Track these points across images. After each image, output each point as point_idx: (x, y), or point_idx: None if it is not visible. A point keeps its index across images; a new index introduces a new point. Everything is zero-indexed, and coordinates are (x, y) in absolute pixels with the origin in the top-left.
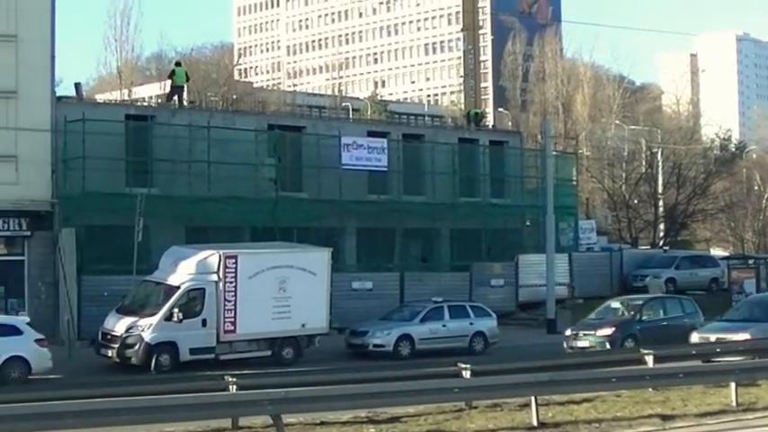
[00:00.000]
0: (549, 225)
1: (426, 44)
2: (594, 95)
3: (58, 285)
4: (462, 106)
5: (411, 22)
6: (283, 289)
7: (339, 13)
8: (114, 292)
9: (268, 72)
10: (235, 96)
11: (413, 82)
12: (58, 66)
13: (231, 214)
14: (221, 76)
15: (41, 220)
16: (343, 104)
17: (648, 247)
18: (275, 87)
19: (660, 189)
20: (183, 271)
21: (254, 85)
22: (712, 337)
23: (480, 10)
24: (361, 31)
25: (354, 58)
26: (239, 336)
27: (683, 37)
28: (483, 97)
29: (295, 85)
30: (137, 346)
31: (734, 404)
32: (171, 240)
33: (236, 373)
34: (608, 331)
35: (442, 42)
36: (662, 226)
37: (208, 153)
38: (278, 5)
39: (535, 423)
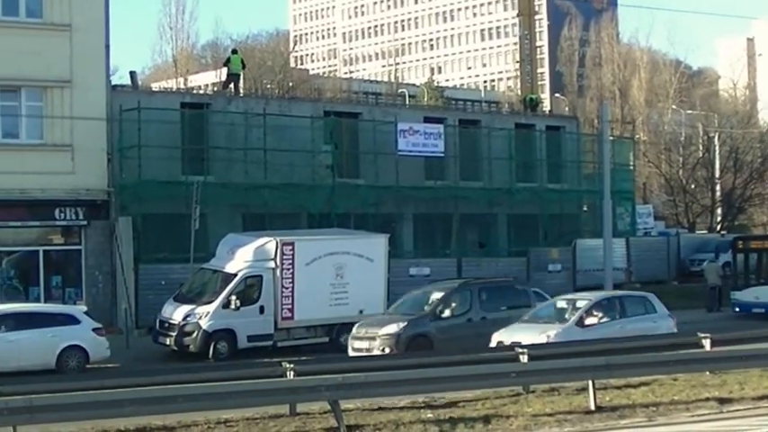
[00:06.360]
0: (606, 210)
1: (482, 30)
2: (651, 80)
3: (115, 274)
4: (519, 92)
5: (467, 8)
6: (340, 275)
7: None
8: (171, 280)
9: (324, 59)
10: (291, 84)
11: (469, 68)
12: (113, 55)
13: (288, 201)
14: (277, 63)
15: (98, 210)
16: (400, 91)
17: (706, 231)
18: (331, 74)
19: (717, 173)
20: (240, 258)
21: (310, 73)
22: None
23: None
24: (416, 18)
25: (410, 44)
26: (297, 322)
27: (740, 21)
28: (539, 83)
29: (351, 72)
30: (195, 334)
31: None
32: (228, 228)
33: (294, 359)
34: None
35: (498, 28)
36: (719, 210)
37: (264, 140)
38: None
39: (593, 407)
